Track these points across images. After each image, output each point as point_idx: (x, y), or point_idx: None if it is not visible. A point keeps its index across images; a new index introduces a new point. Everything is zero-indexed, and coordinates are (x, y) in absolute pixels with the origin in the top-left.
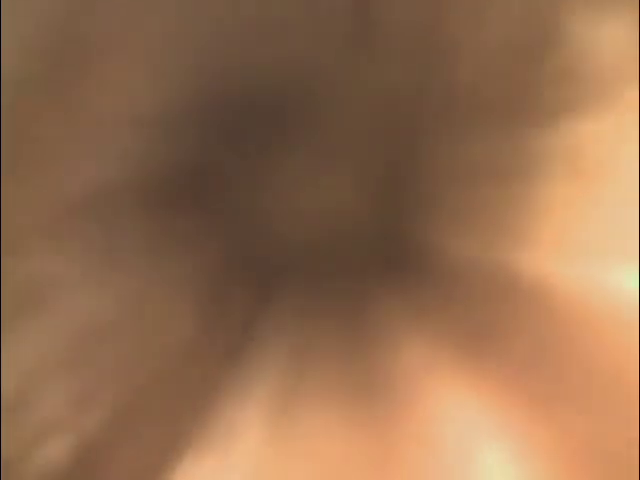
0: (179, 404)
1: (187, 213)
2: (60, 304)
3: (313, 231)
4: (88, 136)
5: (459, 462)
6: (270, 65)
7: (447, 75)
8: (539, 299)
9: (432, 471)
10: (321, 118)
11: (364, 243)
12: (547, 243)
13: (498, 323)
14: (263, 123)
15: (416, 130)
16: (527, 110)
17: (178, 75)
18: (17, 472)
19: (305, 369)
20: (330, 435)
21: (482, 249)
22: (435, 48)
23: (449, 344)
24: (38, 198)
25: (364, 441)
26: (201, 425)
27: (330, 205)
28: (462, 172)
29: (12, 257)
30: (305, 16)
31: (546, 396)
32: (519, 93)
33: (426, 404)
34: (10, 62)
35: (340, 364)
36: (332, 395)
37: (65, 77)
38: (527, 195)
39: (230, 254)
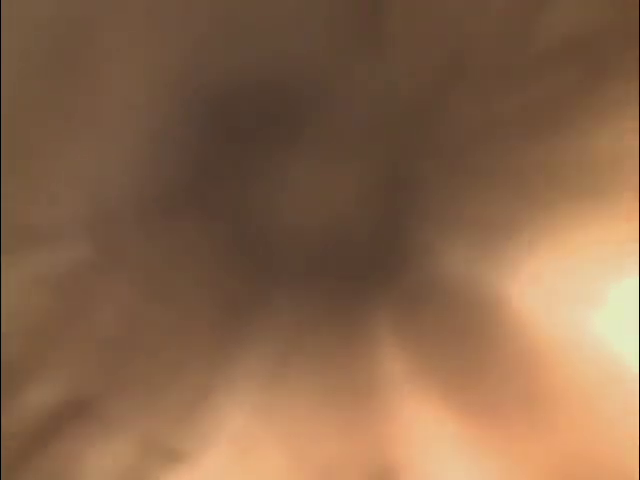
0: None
1: (187, 214)
2: None
3: (313, 231)
4: (88, 137)
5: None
6: (272, 65)
7: (452, 75)
8: (521, 329)
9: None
10: (323, 119)
11: (364, 247)
12: (540, 276)
13: (480, 344)
14: (265, 124)
15: (419, 133)
16: (536, 123)
17: (179, 76)
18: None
19: (291, 366)
20: (307, 435)
21: (476, 273)
22: (440, 48)
23: (431, 357)
24: (39, 193)
25: (340, 440)
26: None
27: (331, 206)
28: (465, 178)
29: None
30: (308, 15)
31: (519, 418)
32: (529, 102)
33: (402, 411)
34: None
35: (327, 365)
36: (313, 394)
37: (63, 82)
38: (530, 214)
39: (230, 254)
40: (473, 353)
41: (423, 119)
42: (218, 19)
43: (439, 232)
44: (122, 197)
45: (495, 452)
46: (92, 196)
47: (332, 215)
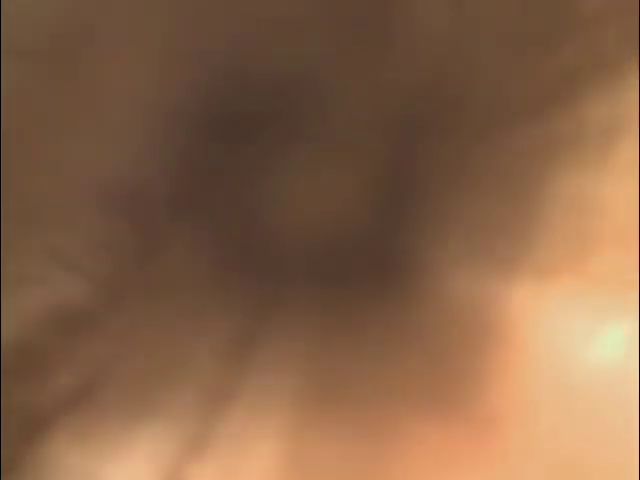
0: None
1: (187, 215)
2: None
3: (313, 231)
4: (87, 138)
5: None
6: (272, 66)
7: (454, 76)
8: (517, 331)
9: None
10: (323, 119)
11: (363, 247)
12: (538, 281)
13: (476, 345)
14: (265, 124)
15: (419, 133)
16: (538, 128)
17: (178, 77)
18: None
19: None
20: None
21: (473, 276)
22: (444, 49)
23: (428, 357)
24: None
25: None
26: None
27: (330, 206)
28: (465, 178)
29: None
30: (309, 17)
31: (516, 420)
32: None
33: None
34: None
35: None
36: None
37: (63, 84)
38: (527, 215)
39: (229, 253)
40: (470, 354)
41: (423, 119)
42: (219, 20)
43: (438, 232)
44: (124, 199)
45: (492, 451)
46: (92, 197)
47: (332, 215)
